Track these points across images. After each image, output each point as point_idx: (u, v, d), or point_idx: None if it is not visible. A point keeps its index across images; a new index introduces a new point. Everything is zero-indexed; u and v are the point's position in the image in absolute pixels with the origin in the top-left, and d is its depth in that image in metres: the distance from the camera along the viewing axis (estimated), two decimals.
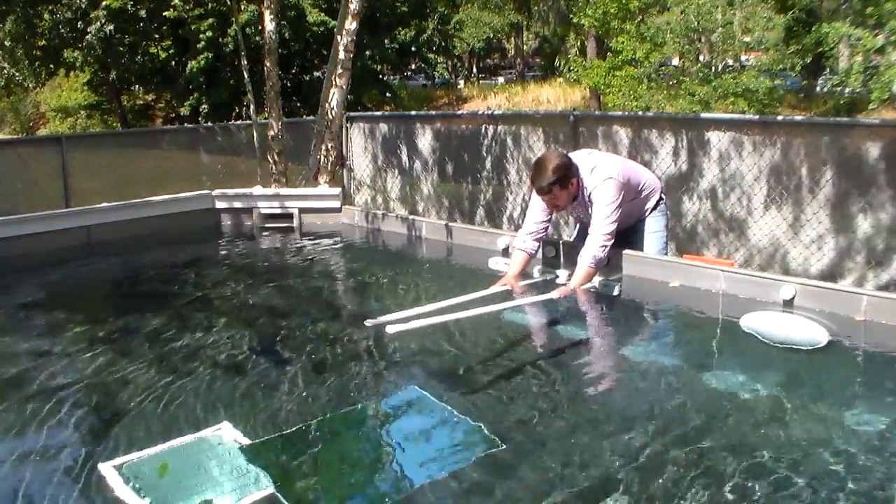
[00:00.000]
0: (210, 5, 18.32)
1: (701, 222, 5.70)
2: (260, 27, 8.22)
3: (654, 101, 14.62)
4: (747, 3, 14.47)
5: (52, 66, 20.75)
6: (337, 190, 6.42)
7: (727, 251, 5.56)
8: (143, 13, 18.24)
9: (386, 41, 20.89)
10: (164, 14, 18.04)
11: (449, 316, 3.17)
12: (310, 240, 5.81)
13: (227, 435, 2.44)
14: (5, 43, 18.61)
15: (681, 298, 3.86)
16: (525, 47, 42.23)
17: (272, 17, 7.01)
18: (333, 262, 5.57)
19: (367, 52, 19.57)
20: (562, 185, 3.74)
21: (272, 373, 3.06)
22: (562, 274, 4.03)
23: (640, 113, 11.45)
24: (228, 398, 2.81)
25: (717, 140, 5.53)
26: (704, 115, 9.11)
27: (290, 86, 19.91)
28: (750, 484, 2.14)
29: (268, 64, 7.06)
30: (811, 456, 2.32)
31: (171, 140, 8.95)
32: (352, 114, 8.14)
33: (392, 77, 27.72)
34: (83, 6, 17.95)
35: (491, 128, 7.06)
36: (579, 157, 3.96)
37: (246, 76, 7.41)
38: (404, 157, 7.84)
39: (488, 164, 7.12)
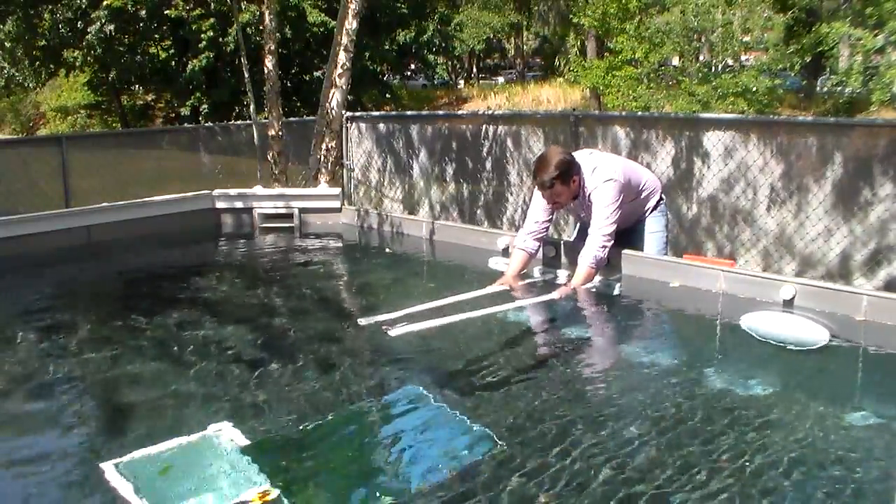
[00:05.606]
0: (211, 5, 18.32)
1: (701, 221, 5.69)
2: (260, 27, 8.22)
3: (654, 101, 14.63)
4: (747, 2, 14.47)
5: (52, 66, 20.73)
6: (337, 190, 6.43)
7: (729, 251, 5.55)
8: (143, 13, 18.24)
9: (386, 41, 20.88)
10: (164, 14, 18.05)
11: (449, 318, 3.17)
12: (310, 240, 5.82)
13: (227, 435, 2.44)
14: (5, 43, 18.60)
15: (681, 298, 3.86)
16: (525, 47, 42.24)
17: (272, 16, 7.01)
18: (333, 261, 5.57)
19: (367, 53, 19.56)
20: (564, 180, 3.75)
21: (272, 373, 3.06)
22: (562, 274, 4.03)
23: (640, 113, 11.45)
24: (229, 398, 2.81)
25: (718, 140, 5.53)
26: (704, 115, 9.11)
27: (290, 86, 19.90)
28: (750, 483, 2.14)
29: (268, 64, 7.06)
30: (811, 455, 2.32)
31: (171, 140, 8.96)
32: (352, 114, 8.12)
33: (392, 77, 27.71)
34: (83, 6, 17.95)
35: (491, 128, 7.04)
36: (580, 157, 3.97)
37: (246, 76, 7.42)
38: (404, 157, 7.84)
39: (488, 165, 7.11)
